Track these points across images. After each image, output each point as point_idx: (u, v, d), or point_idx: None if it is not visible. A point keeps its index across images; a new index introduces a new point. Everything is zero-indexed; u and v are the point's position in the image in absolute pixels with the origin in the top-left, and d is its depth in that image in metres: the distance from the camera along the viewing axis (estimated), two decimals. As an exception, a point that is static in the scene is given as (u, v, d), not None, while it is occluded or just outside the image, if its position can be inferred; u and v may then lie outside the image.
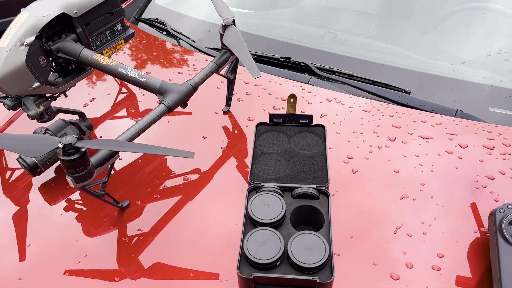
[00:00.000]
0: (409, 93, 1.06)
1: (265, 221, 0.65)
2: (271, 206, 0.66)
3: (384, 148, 0.90)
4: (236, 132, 0.97)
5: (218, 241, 0.74)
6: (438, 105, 1.02)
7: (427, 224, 0.75)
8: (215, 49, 1.25)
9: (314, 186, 0.70)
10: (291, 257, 0.60)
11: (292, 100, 0.83)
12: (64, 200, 0.83)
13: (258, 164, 0.76)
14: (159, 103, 0.79)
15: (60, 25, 0.80)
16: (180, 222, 0.78)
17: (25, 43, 0.74)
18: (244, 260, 0.61)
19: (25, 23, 0.74)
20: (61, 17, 0.79)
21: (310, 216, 0.68)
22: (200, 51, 1.25)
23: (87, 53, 0.80)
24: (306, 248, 0.61)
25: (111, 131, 0.99)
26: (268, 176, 0.74)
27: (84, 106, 1.06)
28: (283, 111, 1.01)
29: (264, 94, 1.07)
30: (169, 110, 0.80)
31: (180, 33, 1.32)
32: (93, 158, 0.68)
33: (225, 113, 1.02)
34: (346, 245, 0.71)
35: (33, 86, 0.77)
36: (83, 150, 0.64)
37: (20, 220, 0.80)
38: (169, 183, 0.85)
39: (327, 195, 0.70)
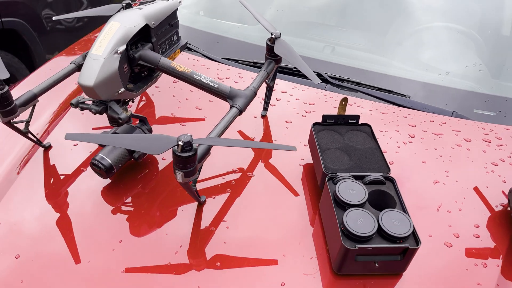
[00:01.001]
0: (409, 97, 1.25)
1: (353, 202, 0.77)
2: (354, 190, 0.79)
3: (408, 143, 1.07)
4: (278, 132, 1.08)
5: (296, 227, 0.84)
6: (437, 107, 1.21)
7: (460, 203, 0.92)
8: (228, 59, 1.35)
9: (381, 174, 0.84)
10: (385, 229, 0.72)
11: (343, 102, 0.96)
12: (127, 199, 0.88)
13: (325, 157, 0.88)
14: (231, 107, 0.88)
15: (139, 35, 0.86)
16: (256, 212, 0.87)
17: (118, 51, 0.79)
18: (344, 235, 0.73)
19: (117, 33, 0.79)
20: (142, 27, 0.85)
21: (381, 198, 0.81)
22: (216, 61, 1.33)
23: (165, 61, 0.86)
24: (393, 222, 0.74)
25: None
26: (338, 167, 0.86)
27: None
28: (314, 114, 1.14)
29: (292, 100, 1.19)
30: (240, 113, 0.89)
31: (191, 45, 1.39)
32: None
33: (263, 116, 1.13)
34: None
35: (119, 92, 0.82)
36: (196, 147, 0.71)
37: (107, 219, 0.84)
38: (234, 178, 0.94)
39: (392, 180, 0.84)
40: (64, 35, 2.96)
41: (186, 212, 0.86)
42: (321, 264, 0.78)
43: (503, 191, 0.96)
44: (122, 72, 0.82)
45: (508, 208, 0.90)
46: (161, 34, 0.93)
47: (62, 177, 0.94)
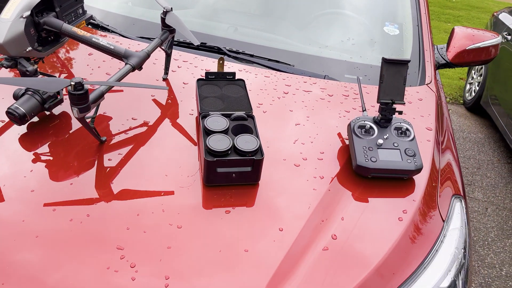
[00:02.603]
0: (293, 66, 1.51)
1: (217, 130, 1.00)
2: (219, 122, 1.02)
3: (281, 98, 1.32)
4: (177, 91, 1.30)
5: (181, 157, 1.07)
6: (313, 72, 1.48)
7: (313, 137, 1.18)
8: (142, 37, 1.55)
9: (244, 112, 1.08)
10: (238, 147, 0.96)
11: (221, 61, 1.19)
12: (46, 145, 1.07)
13: (203, 103, 1.11)
14: (125, 64, 1.09)
15: (44, 4, 1.05)
16: (151, 147, 1.09)
17: (23, 16, 0.98)
18: (207, 152, 0.96)
19: (23, 1, 0.98)
20: (46, -1, 1.04)
21: (242, 129, 1.05)
22: (131, 39, 1.53)
23: (67, 27, 1.06)
24: (245, 143, 0.98)
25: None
26: (212, 109, 1.10)
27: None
28: (208, 77, 1.37)
29: (191, 67, 1.42)
30: (133, 69, 1.10)
31: (107, 25, 1.58)
32: (90, 96, 0.96)
33: (164, 79, 1.34)
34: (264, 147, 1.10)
35: (27, 50, 1.01)
36: (86, 87, 0.92)
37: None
38: (134, 123, 1.15)
39: (252, 117, 1.08)
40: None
41: (91, 150, 1.06)
42: (195, 179, 1.00)
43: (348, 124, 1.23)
44: (29, 34, 1.01)
45: (347, 141, 1.17)
46: (66, 6, 1.12)
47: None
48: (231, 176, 0.98)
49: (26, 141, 1.07)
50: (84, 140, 1.08)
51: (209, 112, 1.07)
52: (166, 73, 1.35)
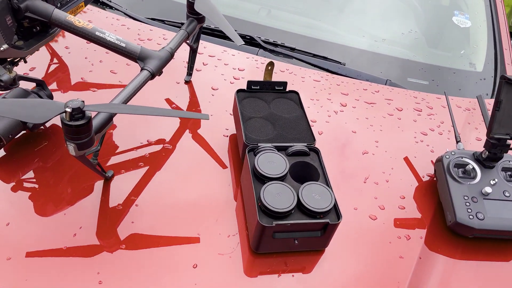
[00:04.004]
0: (344, 64, 1.19)
1: (273, 176, 0.70)
2: (275, 162, 0.72)
3: (339, 112, 1.02)
4: (204, 100, 0.99)
5: (216, 202, 0.77)
6: (371, 75, 1.17)
7: (388, 174, 0.89)
8: (153, 19, 1.22)
9: (305, 144, 0.78)
10: (304, 204, 0.67)
11: (269, 67, 0.88)
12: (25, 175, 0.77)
13: (247, 127, 0.81)
14: (142, 69, 0.78)
15: (26, -19, 0.72)
16: (171, 189, 0.79)
17: (-5, -1, 0.65)
18: (261, 211, 0.67)
19: (-7, -24, 0.65)
20: (30, -28, 0.71)
21: (304, 170, 0.76)
22: (139, 20, 1.20)
23: (60, 14, 0.74)
24: (314, 196, 0.69)
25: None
26: (260, 137, 0.79)
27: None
28: (243, 80, 1.06)
29: (220, 65, 1.10)
30: (153, 76, 0.79)
31: (111, 1, 1.25)
32: (93, 123, 0.65)
33: (187, 82, 1.03)
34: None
35: (1, 49, 0.69)
36: (89, 115, 0.61)
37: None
38: (148, 151, 0.84)
39: (316, 151, 0.78)
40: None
41: (90, 189, 0.76)
42: (240, 242, 0.71)
43: (432, 161, 0.93)
44: (5, 25, 0.69)
45: (435, 179, 0.88)
46: (58, -18, 0.79)
47: None
48: (292, 242, 0.69)
49: (5, 171, 0.77)
50: (85, 175, 0.78)
51: (258, 144, 0.77)
52: (189, 73, 1.03)
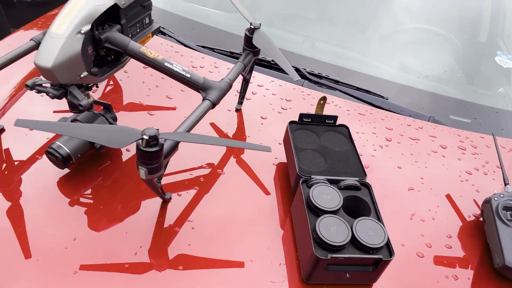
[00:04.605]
0: (387, 99, 1.22)
1: (327, 209, 0.73)
2: (328, 195, 0.75)
3: (384, 147, 1.04)
4: (253, 128, 1.03)
5: (266, 229, 0.80)
6: (414, 111, 1.19)
7: (434, 211, 0.90)
8: (204, 47, 1.28)
9: (357, 179, 0.80)
10: (359, 239, 0.69)
11: (322, 101, 0.92)
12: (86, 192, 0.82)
13: (300, 158, 0.84)
14: (204, 99, 0.83)
15: (107, 14, 0.78)
16: (224, 213, 0.82)
17: (82, 31, 0.71)
18: (316, 243, 0.69)
19: (82, 10, 0.71)
20: (111, 7, 0.77)
21: (356, 205, 0.78)
22: (191, 48, 1.26)
23: (135, 46, 0.79)
24: (368, 231, 0.71)
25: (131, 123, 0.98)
26: (313, 169, 0.82)
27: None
28: (290, 111, 1.10)
29: (268, 94, 1.14)
30: (213, 106, 0.83)
31: (165, 29, 1.32)
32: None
33: (237, 110, 1.07)
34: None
35: (81, 76, 0.75)
36: (162, 142, 0.66)
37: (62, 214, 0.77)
38: (202, 174, 0.88)
39: (368, 186, 0.80)
40: (31, 8, 2.79)
41: (149, 209, 0.80)
42: (290, 271, 0.74)
43: (474, 200, 0.94)
44: (86, 54, 0.75)
45: (481, 219, 0.89)
46: (131, 15, 0.85)
47: (15, 163, 0.86)
48: (343, 275, 0.71)
49: (70, 186, 0.82)
50: (144, 194, 0.83)
51: (311, 176, 0.80)
52: (240, 102, 1.08)
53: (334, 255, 0.67)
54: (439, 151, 1.06)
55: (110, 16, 0.80)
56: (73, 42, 0.71)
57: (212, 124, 1.02)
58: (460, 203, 0.93)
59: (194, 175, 0.88)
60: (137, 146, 0.64)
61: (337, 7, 1.58)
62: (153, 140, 0.64)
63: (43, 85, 0.77)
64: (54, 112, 0.99)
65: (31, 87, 0.77)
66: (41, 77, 0.77)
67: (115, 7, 0.78)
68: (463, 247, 0.84)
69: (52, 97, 0.75)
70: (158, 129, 0.65)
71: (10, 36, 1.25)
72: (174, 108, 1.04)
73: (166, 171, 0.86)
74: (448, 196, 0.94)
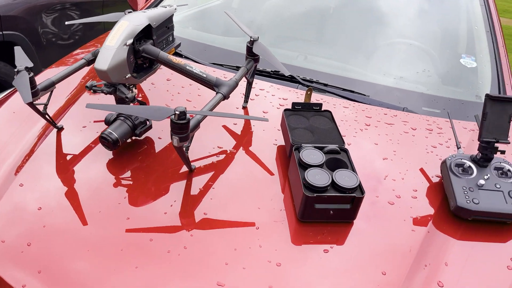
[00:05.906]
0: (368, 96, 1.47)
1: (313, 164, 0.97)
2: (315, 156, 0.99)
3: (364, 130, 1.28)
4: (258, 120, 1.28)
5: (270, 188, 1.04)
6: (391, 104, 1.44)
7: (403, 174, 1.13)
8: (214, 63, 1.56)
9: (337, 145, 1.04)
10: (337, 183, 0.92)
11: (309, 92, 1.17)
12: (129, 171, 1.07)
13: (293, 134, 1.09)
14: (217, 93, 1.08)
15: (143, 32, 1.06)
16: (239, 177, 1.06)
17: (126, 44, 0.99)
18: (305, 187, 0.92)
19: (126, 29, 0.99)
20: (146, 27, 1.05)
21: (336, 163, 1.01)
22: (203, 64, 1.54)
23: (164, 54, 1.07)
24: (344, 178, 0.94)
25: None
26: (303, 141, 1.07)
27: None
28: (287, 106, 1.35)
29: (269, 96, 1.40)
30: (224, 98, 1.09)
31: (182, 52, 1.60)
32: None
33: (244, 107, 1.33)
34: (357, 186, 1.06)
35: (126, 77, 1.02)
36: (189, 117, 0.91)
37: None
38: (219, 153, 1.13)
39: (346, 151, 1.04)
40: (58, 49, 3.16)
41: (179, 179, 1.05)
42: (288, 214, 0.97)
43: (438, 166, 1.17)
44: (129, 61, 1.02)
45: (441, 176, 1.11)
46: (160, 33, 1.13)
47: (71, 155, 1.11)
48: (328, 213, 0.93)
49: (115, 166, 1.07)
50: (172, 167, 1.07)
51: (302, 144, 1.04)
52: (246, 101, 1.34)
53: (319, 194, 0.90)
54: (410, 132, 1.30)
55: (145, 34, 1.08)
56: (121, 52, 0.98)
57: (227, 118, 1.27)
58: (426, 168, 1.16)
59: (212, 153, 1.13)
60: (171, 120, 0.90)
61: (327, 27, 1.86)
62: (183, 115, 0.89)
63: (97, 85, 1.04)
64: (94, 122, 1.25)
65: (90, 88, 1.03)
66: (94, 81, 1.04)
67: (149, 27, 1.06)
68: (427, 197, 1.07)
69: (106, 93, 1.02)
70: (185, 107, 0.90)
71: (62, 59, 1.54)
72: (194, 107, 1.30)
73: (192, 153, 1.11)
74: (416, 162, 1.17)
